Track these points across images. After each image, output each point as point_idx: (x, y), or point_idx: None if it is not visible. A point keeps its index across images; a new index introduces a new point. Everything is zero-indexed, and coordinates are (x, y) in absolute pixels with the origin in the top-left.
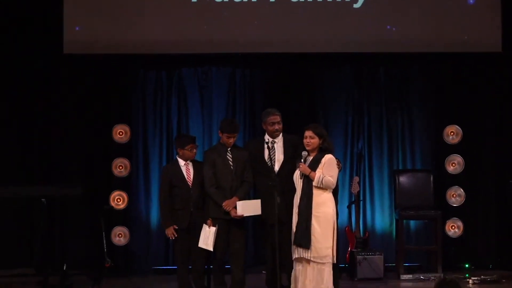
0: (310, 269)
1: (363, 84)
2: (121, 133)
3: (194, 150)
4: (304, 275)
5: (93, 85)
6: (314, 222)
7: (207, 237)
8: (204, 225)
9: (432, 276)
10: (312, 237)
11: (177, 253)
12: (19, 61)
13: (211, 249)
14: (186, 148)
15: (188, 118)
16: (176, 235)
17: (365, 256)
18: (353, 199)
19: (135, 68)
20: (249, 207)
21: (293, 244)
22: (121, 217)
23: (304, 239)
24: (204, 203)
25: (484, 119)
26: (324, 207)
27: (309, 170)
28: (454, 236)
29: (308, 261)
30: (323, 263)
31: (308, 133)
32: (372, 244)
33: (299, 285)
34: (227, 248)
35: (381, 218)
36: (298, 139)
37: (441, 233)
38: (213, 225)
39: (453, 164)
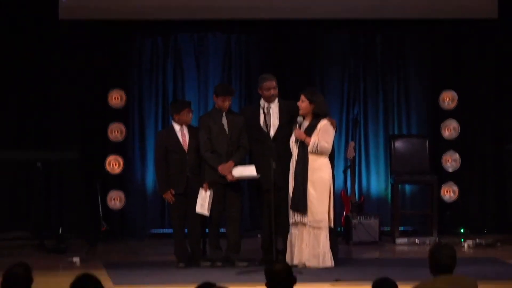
0: (306, 233)
1: (359, 50)
2: (116, 98)
3: (190, 115)
4: (300, 240)
5: (89, 50)
6: (310, 187)
7: (203, 202)
8: (201, 189)
9: (427, 240)
10: (308, 202)
11: (173, 218)
12: (14, 27)
13: (208, 214)
14: (181, 113)
15: (184, 83)
16: (173, 199)
17: (361, 220)
18: (348, 164)
19: (131, 33)
20: (244, 171)
21: (290, 209)
22: (117, 181)
23: (301, 204)
24: (200, 168)
25: (480, 85)
26: (320, 172)
27: (304, 135)
28: (450, 200)
29: (305, 225)
30: (319, 228)
31: (301, 96)
32: (368, 209)
33: (296, 249)
34: (223, 212)
35: (376, 183)
36: (294, 105)
37: (436, 197)
38: (209, 189)
39: (449, 130)
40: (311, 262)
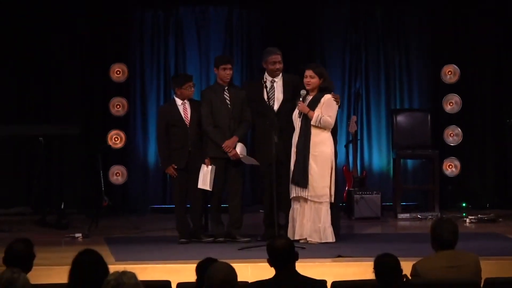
0: (308, 208)
1: (360, 23)
2: (118, 72)
3: (192, 89)
4: (301, 214)
5: (91, 24)
6: (311, 161)
7: (205, 177)
8: (203, 165)
9: (429, 215)
10: (310, 176)
11: (175, 193)
12: (15, 1)
13: (210, 189)
14: (183, 86)
15: (185, 57)
16: (176, 174)
17: (363, 195)
18: (350, 139)
19: (132, 7)
20: (247, 155)
21: (291, 183)
22: (118, 156)
23: (302, 178)
24: (202, 142)
25: (482, 59)
26: (322, 146)
27: (308, 109)
28: (451, 175)
29: (306, 200)
30: (320, 202)
31: (308, 72)
32: (369, 183)
33: (297, 223)
34: (225, 187)
35: (378, 157)
36: (298, 79)
37: (438, 172)
38: (211, 165)
39: (451, 104)
40: (312, 237)
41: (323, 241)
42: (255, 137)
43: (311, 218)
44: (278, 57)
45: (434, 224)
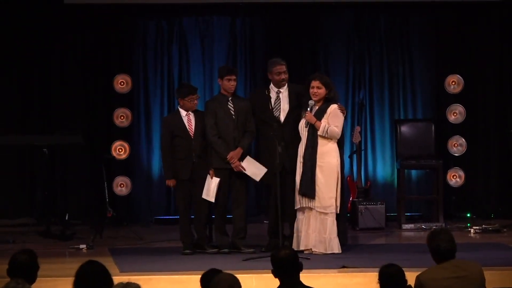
0: (313, 219)
1: (363, 33)
2: (122, 83)
3: (195, 101)
4: (307, 225)
5: (94, 34)
6: (318, 172)
7: (209, 188)
8: (208, 176)
9: (433, 225)
10: (316, 187)
11: (179, 203)
12: (18, 12)
13: (213, 200)
14: (186, 98)
15: (189, 67)
16: (175, 186)
17: (367, 206)
18: (354, 149)
19: (136, 17)
20: (253, 166)
21: (298, 194)
22: (122, 167)
23: (308, 189)
24: (206, 153)
25: (486, 68)
26: (328, 157)
27: (315, 119)
28: (456, 185)
29: (312, 210)
30: (326, 213)
31: (315, 83)
32: (374, 194)
33: (302, 234)
34: (229, 197)
35: (382, 167)
36: (302, 89)
37: (442, 182)
38: (216, 176)
39: (455, 114)
40: (317, 248)
41: (328, 252)
42: (260, 146)
43: (316, 228)
44: (283, 68)
45: (429, 237)
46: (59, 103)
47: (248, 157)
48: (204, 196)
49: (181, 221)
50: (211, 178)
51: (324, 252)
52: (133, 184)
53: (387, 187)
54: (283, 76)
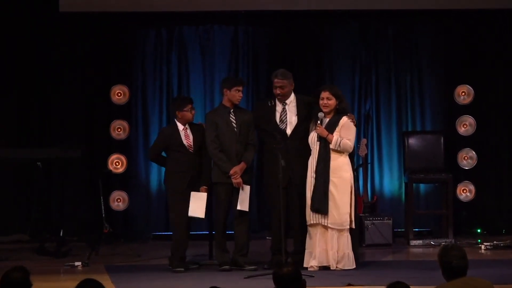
0: (328, 235)
1: (370, 42)
2: (119, 94)
3: (192, 111)
4: (322, 241)
5: (91, 44)
6: (331, 187)
7: (198, 205)
8: (193, 192)
9: (442, 241)
10: (330, 203)
11: (175, 217)
12: (14, 21)
13: (203, 216)
14: (184, 109)
15: (189, 78)
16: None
17: (373, 221)
18: (360, 162)
19: (134, 26)
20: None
21: (310, 210)
22: (119, 181)
23: (322, 205)
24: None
25: (496, 79)
26: (341, 171)
27: (327, 132)
28: (466, 200)
29: (326, 227)
30: (341, 230)
31: (325, 94)
32: (381, 209)
33: (317, 250)
34: (230, 213)
35: (389, 181)
36: (310, 101)
37: (452, 197)
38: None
39: (465, 125)
40: (335, 265)
41: (345, 268)
42: (263, 158)
43: (334, 245)
44: (279, 82)
45: (440, 253)
46: (56, 115)
47: (246, 187)
48: (191, 214)
49: (175, 235)
50: (199, 193)
51: (342, 268)
52: (130, 199)
53: (394, 201)
54: (278, 91)
